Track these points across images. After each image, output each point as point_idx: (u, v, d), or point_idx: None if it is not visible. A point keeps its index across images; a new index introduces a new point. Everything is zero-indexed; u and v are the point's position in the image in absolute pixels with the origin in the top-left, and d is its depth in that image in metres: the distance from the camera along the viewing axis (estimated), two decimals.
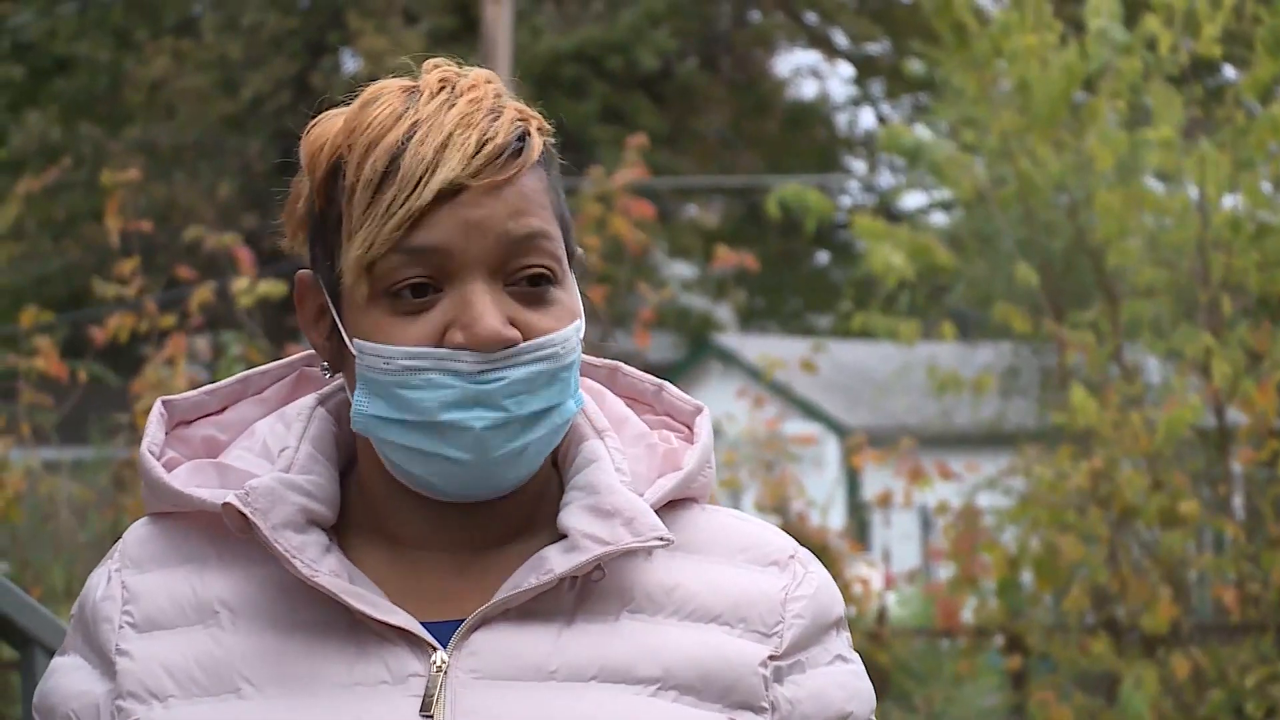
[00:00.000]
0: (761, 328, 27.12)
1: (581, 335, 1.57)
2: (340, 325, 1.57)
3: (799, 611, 1.61)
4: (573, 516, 1.57)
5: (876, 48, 26.40)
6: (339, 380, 1.64)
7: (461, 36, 20.92)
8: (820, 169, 24.78)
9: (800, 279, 26.92)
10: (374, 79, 1.58)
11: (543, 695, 1.52)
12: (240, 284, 7.31)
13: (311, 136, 1.58)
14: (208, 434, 1.67)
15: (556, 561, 1.55)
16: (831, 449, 18.64)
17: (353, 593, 1.53)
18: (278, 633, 1.55)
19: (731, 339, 23.14)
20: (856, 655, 1.67)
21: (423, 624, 1.54)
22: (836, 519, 11.31)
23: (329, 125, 1.57)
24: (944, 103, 9.03)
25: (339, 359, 1.59)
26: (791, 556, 1.64)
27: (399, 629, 1.53)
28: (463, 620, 1.55)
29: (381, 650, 1.53)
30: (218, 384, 1.70)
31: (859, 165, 28.27)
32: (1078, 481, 6.88)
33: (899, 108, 26.79)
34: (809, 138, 26.83)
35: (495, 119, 1.53)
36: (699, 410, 1.69)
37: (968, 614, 7.51)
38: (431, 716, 1.51)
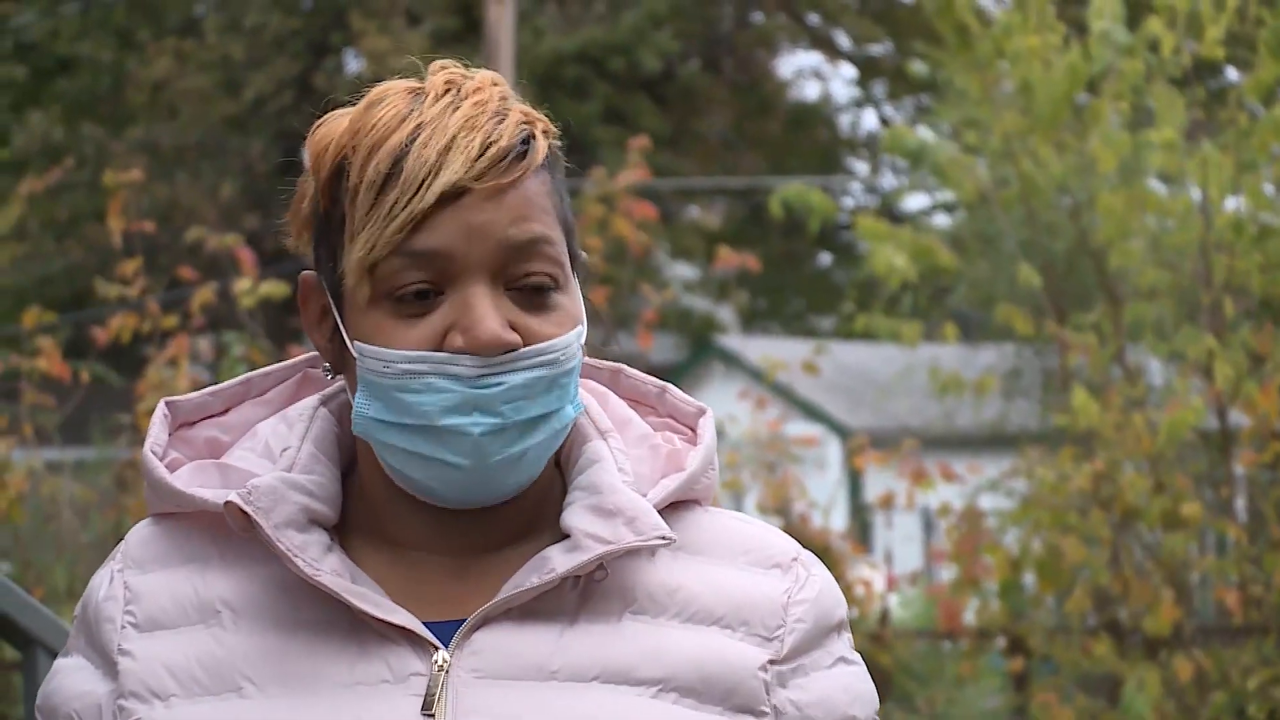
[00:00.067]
0: (764, 329, 27.10)
1: (583, 341, 1.57)
2: (342, 327, 1.57)
3: (800, 616, 1.61)
4: (575, 516, 1.58)
5: (879, 49, 26.40)
6: (342, 381, 1.64)
7: (464, 37, 20.91)
8: (822, 170, 24.76)
9: (802, 280, 26.91)
10: (377, 80, 1.58)
11: (544, 695, 1.52)
12: (242, 285, 7.32)
13: (317, 137, 1.58)
14: (210, 435, 1.67)
15: (559, 561, 1.55)
16: (834, 450, 18.63)
17: (354, 592, 1.53)
18: (279, 632, 1.55)
19: (734, 340, 23.12)
20: (859, 656, 1.67)
21: (424, 624, 1.54)
22: (838, 520, 11.31)
23: (334, 126, 1.57)
24: (946, 104, 9.03)
25: (341, 361, 1.59)
26: (794, 559, 1.64)
27: (401, 628, 1.53)
28: (464, 620, 1.55)
29: (383, 649, 1.53)
30: (221, 385, 1.70)
31: (861, 167, 28.28)
32: (1080, 483, 6.88)
33: (901, 109, 26.81)
34: (811, 139, 26.81)
35: (500, 122, 1.53)
36: (702, 412, 1.69)
37: (970, 616, 7.51)
38: (433, 716, 1.51)
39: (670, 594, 1.58)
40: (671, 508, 1.62)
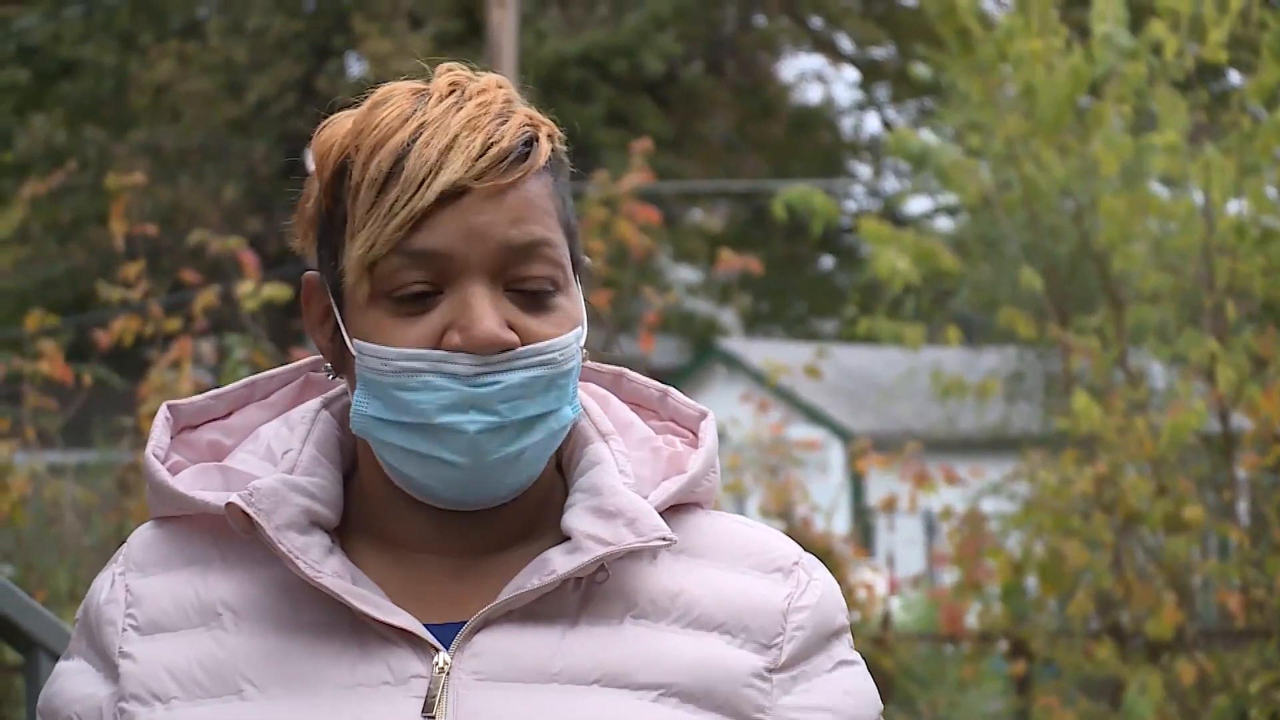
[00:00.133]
0: (766, 332, 27.11)
1: (582, 342, 1.57)
2: (342, 326, 1.57)
3: (800, 623, 1.60)
4: (576, 518, 1.58)
5: (881, 52, 26.40)
6: (344, 385, 1.65)
7: (467, 40, 20.92)
8: (825, 173, 24.75)
9: (805, 283, 26.90)
10: (381, 82, 1.59)
11: (544, 697, 1.52)
12: (245, 287, 7.32)
13: (321, 137, 1.58)
14: (213, 439, 1.67)
15: (559, 563, 1.55)
16: (836, 454, 18.62)
17: (355, 594, 1.54)
18: (280, 634, 1.56)
19: (736, 344, 23.11)
20: (859, 656, 1.66)
21: (425, 626, 1.54)
22: (841, 524, 11.31)
23: (338, 126, 1.58)
24: (949, 107, 9.02)
25: (342, 361, 1.60)
26: (796, 563, 1.64)
27: (401, 630, 1.53)
28: (465, 623, 1.55)
29: (384, 651, 1.54)
30: (223, 389, 1.70)
31: (864, 170, 28.27)
32: (1082, 487, 6.87)
33: (904, 112, 26.81)
34: (814, 142, 26.81)
35: (502, 123, 1.53)
36: (703, 415, 1.69)
37: (972, 619, 7.50)
38: (433, 717, 1.51)
39: (672, 598, 1.58)
40: (673, 511, 1.62)
